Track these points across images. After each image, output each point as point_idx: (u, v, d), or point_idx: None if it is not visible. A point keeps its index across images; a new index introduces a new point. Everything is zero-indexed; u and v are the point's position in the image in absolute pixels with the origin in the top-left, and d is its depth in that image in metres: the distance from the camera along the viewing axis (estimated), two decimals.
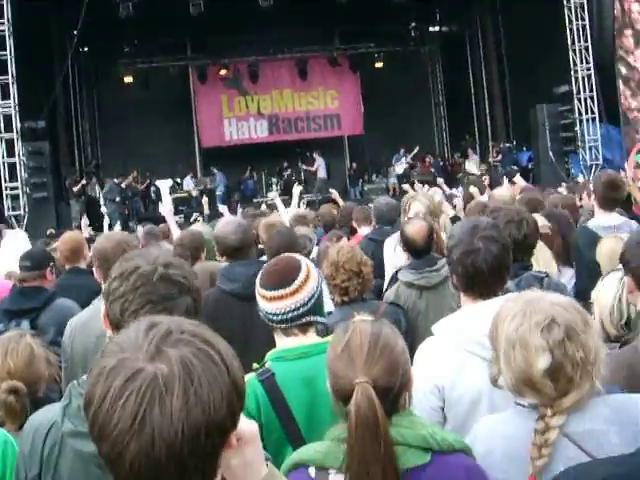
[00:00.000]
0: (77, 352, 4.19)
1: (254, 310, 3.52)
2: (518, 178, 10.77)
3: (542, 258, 4.95)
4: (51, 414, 2.38)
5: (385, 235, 7.26)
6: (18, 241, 8.10)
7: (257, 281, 3.43)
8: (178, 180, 28.84)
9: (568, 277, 5.86)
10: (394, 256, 6.54)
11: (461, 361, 3.30)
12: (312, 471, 2.42)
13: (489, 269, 3.31)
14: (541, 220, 5.69)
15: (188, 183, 27.89)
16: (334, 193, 13.38)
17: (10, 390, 3.32)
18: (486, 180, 10.75)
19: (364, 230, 8.27)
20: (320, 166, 28.54)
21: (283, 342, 3.37)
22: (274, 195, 10.88)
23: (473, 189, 9.71)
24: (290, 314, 3.30)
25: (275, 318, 3.32)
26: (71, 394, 2.33)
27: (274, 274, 3.37)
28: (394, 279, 5.78)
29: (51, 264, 6.10)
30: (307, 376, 3.23)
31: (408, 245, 5.60)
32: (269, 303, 3.32)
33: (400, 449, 2.36)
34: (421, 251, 5.54)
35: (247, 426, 1.65)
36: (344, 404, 2.40)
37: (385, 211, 7.87)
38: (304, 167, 29.66)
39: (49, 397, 3.60)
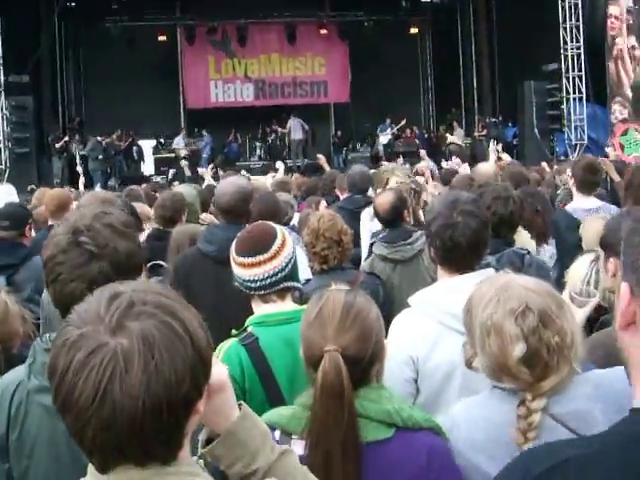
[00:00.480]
0: (55, 310, 4.17)
1: (228, 274, 3.51)
2: (506, 156, 10.73)
3: (519, 238, 4.96)
4: (17, 374, 2.43)
5: (356, 204, 7.27)
6: (5, 195, 8.03)
7: (232, 249, 3.42)
8: (162, 140, 28.70)
9: (548, 255, 5.89)
10: (372, 225, 6.57)
11: (437, 334, 3.31)
12: (277, 434, 2.42)
13: (467, 243, 3.31)
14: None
15: (178, 142, 27.67)
16: (321, 158, 13.30)
17: None
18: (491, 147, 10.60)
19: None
20: (293, 128, 28.34)
21: (261, 308, 3.37)
22: (280, 165, 10.80)
23: (456, 159, 9.67)
24: (268, 280, 3.30)
25: (253, 285, 3.32)
26: (35, 352, 2.38)
27: (250, 240, 3.37)
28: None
29: (30, 221, 6.06)
30: (289, 341, 3.22)
31: (377, 215, 5.67)
32: (246, 270, 3.31)
33: (362, 422, 2.36)
34: (389, 221, 5.59)
35: (215, 375, 1.64)
36: (314, 371, 2.41)
37: (358, 180, 7.79)
38: (276, 128, 29.57)
39: (22, 354, 3.59)
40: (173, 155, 27.27)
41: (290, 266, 3.36)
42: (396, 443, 2.37)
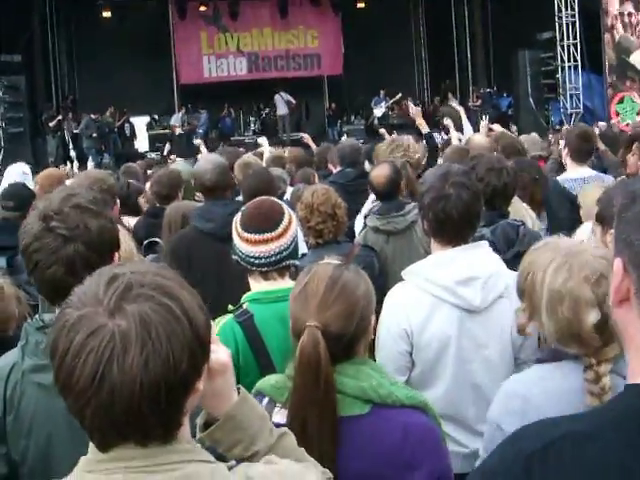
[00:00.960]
0: None
1: (229, 250, 3.51)
2: (497, 127, 10.64)
3: (513, 208, 4.95)
4: (10, 357, 2.45)
5: (347, 177, 7.26)
6: (20, 174, 8.02)
7: (237, 223, 3.39)
8: (156, 117, 28.58)
9: (544, 226, 5.87)
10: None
11: (431, 306, 3.33)
12: (265, 401, 2.46)
13: (459, 215, 3.32)
14: None
15: (176, 120, 27.54)
16: (306, 137, 13.25)
17: None
18: (462, 112, 10.50)
19: None
20: (277, 103, 28.34)
21: (260, 285, 3.37)
22: (262, 141, 10.78)
23: (447, 121, 9.55)
24: (273, 257, 3.30)
25: (256, 262, 3.31)
26: (27, 333, 2.41)
27: (259, 217, 3.35)
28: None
29: (33, 202, 6.04)
30: (283, 319, 3.19)
31: (372, 187, 5.64)
32: (252, 247, 3.30)
33: (339, 397, 2.36)
34: (385, 194, 5.57)
35: (217, 357, 1.66)
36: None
37: (348, 153, 7.75)
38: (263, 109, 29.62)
39: (19, 336, 3.59)
40: (168, 131, 27.17)
41: (294, 244, 3.37)
42: (371, 419, 2.37)
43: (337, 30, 31.06)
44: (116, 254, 2.45)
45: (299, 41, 31.17)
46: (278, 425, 2.20)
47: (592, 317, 2.36)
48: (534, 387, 2.50)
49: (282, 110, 28.18)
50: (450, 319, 3.33)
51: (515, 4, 25.43)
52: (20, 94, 23.02)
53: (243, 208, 3.53)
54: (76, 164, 12.60)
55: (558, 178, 6.30)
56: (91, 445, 1.53)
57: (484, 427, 2.74)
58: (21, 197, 5.97)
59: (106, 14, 28.68)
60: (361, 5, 30.19)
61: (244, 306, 3.31)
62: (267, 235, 3.29)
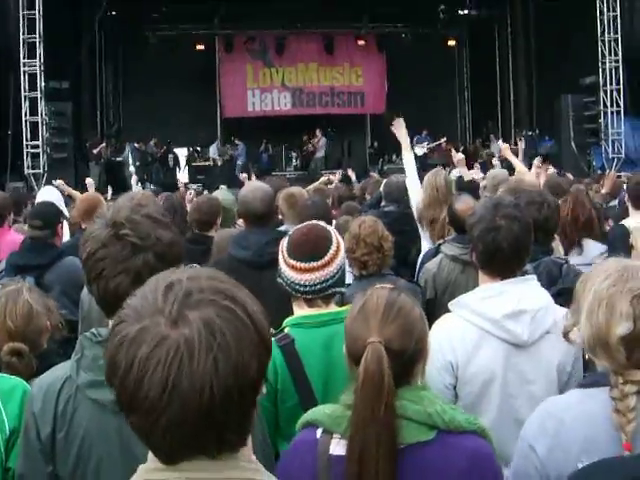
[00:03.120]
0: (94, 308, 4.17)
1: (264, 278, 3.49)
2: (538, 162, 10.59)
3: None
4: (61, 371, 2.33)
5: (390, 215, 7.14)
6: (48, 196, 8.10)
7: (283, 247, 3.37)
8: (198, 148, 28.81)
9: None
10: None
11: (477, 340, 3.30)
12: (319, 432, 2.41)
13: (509, 248, 3.30)
14: None
15: (213, 150, 27.79)
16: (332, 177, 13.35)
17: (12, 352, 3.30)
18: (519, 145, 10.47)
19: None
20: (321, 144, 28.52)
21: (303, 311, 3.35)
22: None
23: (496, 161, 9.50)
24: (319, 286, 3.27)
25: (302, 289, 3.28)
26: (83, 347, 2.29)
27: (306, 245, 3.31)
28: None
29: (62, 220, 6.08)
30: (325, 344, 3.22)
31: (455, 221, 5.49)
32: (298, 274, 3.27)
33: (403, 423, 2.32)
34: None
35: None
36: (356, 366, 2.37)
37: (394, 189, 7.66)
38: (307, 140, 29.65)
39: (52, 347, 3.60)
40: (209, 163, 27.38)
41: (340, 272, 3.33)
42: (437, 446, 2.32)
43: (382, 68, 31.26)
44: None
45: (344, 78, 31.36)
46: (338, 457, 2.21)
47: (622, 328, 2.28)
48: (570, 410, 2.44)
49: (321, 153, 28.44)
50: (496, 353, 3.28)
51: (559, 49, 25.40)
52: (66, 120, 23.28)
53: (290, 232, 3.50)
54: (110, 191, 12.62)
55: (622, 223, 6.24)
56: (150, 454, 1.49)
57: None
58: (48, 215, 5.99)
59: (153, 45, 29.06)
60: (406, 44, 30.34)
61: (285, 330, 3.28)
62: (313, 264, 3.26)
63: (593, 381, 2.48)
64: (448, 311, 3.52)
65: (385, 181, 8.43)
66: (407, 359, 2.39)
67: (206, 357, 1.37)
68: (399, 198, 7.58)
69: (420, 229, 6.65)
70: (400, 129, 7.21)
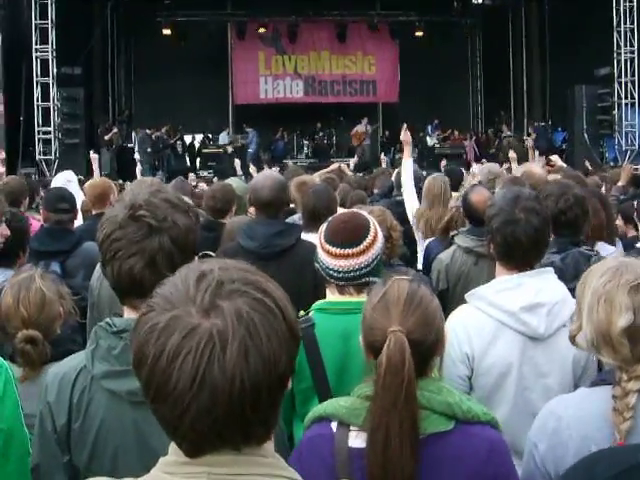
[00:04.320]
0: (104, 296, 4.18)
1: (269, 270, 3.45)
2: (557, 159, 10.50)
3: None
4: (76, 361, 2.32)
5: (402, 205, 7.37)
6: (64, 181, 8.10)
7: (322, 232, 3.38)
8: (209, 135, 28.81)
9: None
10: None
11: (494, 332, 3.28)
12: (334, 425, 2.41)
13: (528, 241, 3.28)
14: None
15: (224, 138, 27.80)
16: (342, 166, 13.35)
17: (26, 339, 3.32)
18: (529, 142, 10.42)
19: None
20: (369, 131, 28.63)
21: (334, 297, 3.35)
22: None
23: (512, 154, 9.43)
24: (352, 273, 3.26)
25: (335, 275, 3.28)
26: (97, 337, 2.28)
27: (343, 231, 3.31)
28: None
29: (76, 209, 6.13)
30: (346, 332, 3.20)
31: (470, 212, 5.48)
32: (333, 259, 3.27)
33: (424, 413, 2.33)
34: (483, 219, 5.49)
35: None
36: (375, 357, 2.37)
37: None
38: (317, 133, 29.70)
39: (67, 333, 3.62)
40: (220, 151, 27.37)
41: (376, 262, 3.31)
42: (457, 435, 2.34)
43: (394, 57, 31.19)
44: (195, 257, 2.33)
45: (356, 67, 31.30)
46: (358, 450, 2.22)
47: (623, 320, 2.32)
48: (570, 408, 2.48)
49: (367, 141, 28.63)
50: (513, 345, 3.27)
51: (574, 39, 25.28)
52: (78, 106, 23.35)
53: (330, 218, 3.48)
54: (139, 170, 12.67)
55: None
56: (173, 446, 1.47)
57: None
58: (71, 200, 6.03)
59: (166, 32, 29.10)
60: (419, 34, 30.22)
61: (310, 314, 3.30)
62: (348, 250, 3.26)
63: (601, 379, 2.51)
64: (460, 303, 3.52)
65: (397, 170, 8.44)
66: (426, 350, 2.40)
67: (237, 348, 1.36)
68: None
69: (415, 228, 6.97)
70: (408, 139, 7.70)
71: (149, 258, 2.21)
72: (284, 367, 1.43)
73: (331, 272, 3.28)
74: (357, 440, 2.35)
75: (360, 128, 28.49)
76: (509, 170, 9.13)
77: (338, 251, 3.26)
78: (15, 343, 3.31)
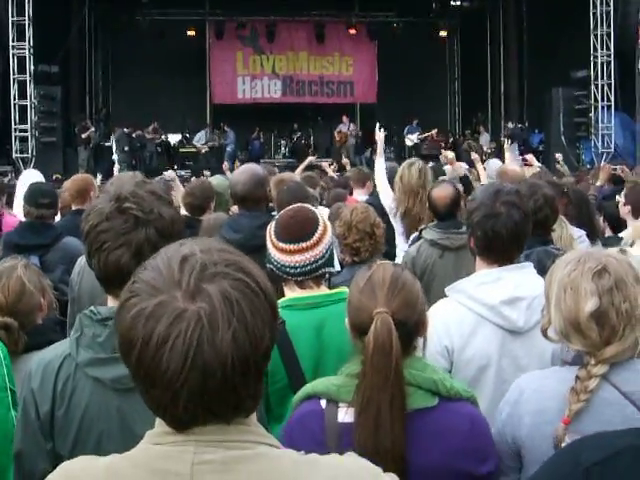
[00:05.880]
0: (84, 290, 4.18)
1: (255, 261, 3.47)
2: (532, 158, 10.57)
3: (563, 237, 4.91)
4: (61, 349, 2.33)
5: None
6: (35, 179, 8.07)
7: (271, 232, 3.39)
8: (187, 135, 28.72)
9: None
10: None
11: (473, 325, 3.31)
12: (323, 403, 2.49)
13: (508, 235, 3.30)
14: None
15: (200, 138, 27.70)
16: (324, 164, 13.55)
17: (0, 326, 3.35)
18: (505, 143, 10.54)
19: (358, 193, 8.37)
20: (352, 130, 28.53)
21: (295, 293, 3.36)
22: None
23: (474, 155, 9.50)
24: (309, 267, 3.29)
25: (293, 271, 3.30)
26: (82, 325, 2.29)
27: (293, 227, 3.34)
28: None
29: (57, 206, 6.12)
30: (317, 326, 3.25)
31: (433, 207, 5.63)
32: (288, 256, 3.29)
33: (410, 389, 2.42)
34: (445, 214, 5.56)
35: None
36: (361, 338, 2.47)
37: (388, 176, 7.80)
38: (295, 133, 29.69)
39: (49, 324, 3.64)
40: (195, 150, 27.31)
41: (329, 252, 3.36)
42: (440, 411, 2.45)
43: (372, 58, 31.27)
44: None
45: (334, 67, 31.35)
46: (347, 425, 2.31)
47: (590, 305, 2.40)
48: (533, 383, 2.62)
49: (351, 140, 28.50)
50: (492, 339, 3.30)
51: (551, 42, 25.42)
52: (55, 104, 23.24)
53: (276, 216, 3.52)
54: (99, 177, 12.61)
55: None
56: (158, 420, 1.50)
57: None
58: (53, 196, 6.04)
59: (144, 30, 28.94)
60: (397, 34, 30.31)
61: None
62: (302, 244, 3.29)
63: (573, 362, 2.60)
64: (426, 295, 3.55)
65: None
66: (409, 329, 2.50)
67: (225, 328, 1.40)
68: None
69: (393, 222, 6.79)
70: (379, 136, 7.82)
71: (135, 249, 2.24)
72: (268, 342, 1.47)
73: (288, 269, 3.30)
74: (346, 416, 2.43)
75: (343, 128, 28.44)
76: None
77: (292, 247, 3.29)
78: None
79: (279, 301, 3.32)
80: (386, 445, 2.32)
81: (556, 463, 1.62)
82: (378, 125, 7.93)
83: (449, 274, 5.16)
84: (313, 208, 3.53)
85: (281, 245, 3.31)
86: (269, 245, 3.39)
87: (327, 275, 3.48)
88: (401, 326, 2.43)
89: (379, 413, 2.35)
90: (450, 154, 8.48)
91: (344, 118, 28.64)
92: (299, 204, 3.60)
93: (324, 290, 3.38)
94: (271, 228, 3.42)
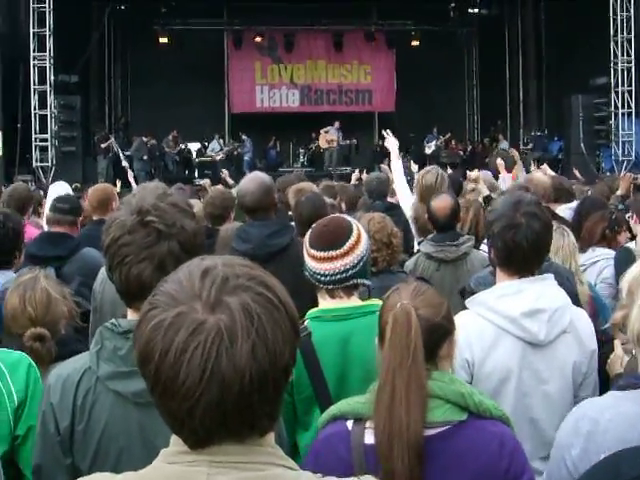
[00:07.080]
0: (106, 301, 4.18)
1: (267, 270, 3.46)
2: (546, 167, 10.56)
3: (562, 249, 4.86)
4: (80, 362, 2.31)
5: (376, 210, 7.23)
6: (63, 190, 8.13)
7: (306, 240, 3.40)
8: (206, 144, 28.80)
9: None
10: None
11: (494, 337, 3.27)
12: (349, 424, 2.45)
13: (529, 245, 3.26)
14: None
15: (213, 147, 27.74)
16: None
17: (35, 337, 3.34)
18: (513, 153, 10.57)
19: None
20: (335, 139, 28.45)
21: (325, 302, 3.36)
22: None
23: (500, 161, 9.49)
24: (338, 276, 3.27)
25: (323, 279, 3.29)
26: (103, 337, 2.27)
27: (325, 235, 3.34)
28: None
29: (80, 216, 6.11)
30: (343, 338, 3.23)
31: (432, 218, 5.65)
32: (318, 263, 3.29)
33: (438, 402, 2.38)
34: (444, 226, 5.58)
35: None
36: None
37: (375, 185, 8.05)
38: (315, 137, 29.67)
39: (70, 333, 3.65)
40: (216, 159, 27.36)
41: (362, 263, 3.32)
42: (469, 427, 2.39)
43: (390, 67, 31.25)
44: None
45: (352, 76, 31.35)
46: (372, 446, 2.30)
47: None
48: (605, 411, 2.36)
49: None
50: (513, 352, 3.26)
51: (570, 49, 25.33)
52: (74, 114, 23.40)
53: (314, 225, 3.50)
54: (119, 184, 12.68)
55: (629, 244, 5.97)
56: (174, 437, 1.49)
57: (536, 463, 2.82)
58: (74, 203, 6.07)
59: (163, 40, 29.13)
60: (415, 43, 30.30)
61: (305, 322, 3.29)
62: (331, 253, 3.27)
63: (629, 383, 2.43)
64: None
65: (365, 179, 8.62)
66: (432, 329, 2.47)
67: (244, 342, 1.39)
68: (381, 193, 8.03)
69: (414, 229, 6.76)
70: (390, 141, 7.61)
71: (158, 263, 2.22)
72: (288, 359, 1.46)
73: (318, 276, 3.30)
74: (372, 437, 2.39)
75: (330, 136, 28.42)
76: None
77: (322, 254, 3.28)
78: (23, 342, 3.33)
79: (309, 312, 3.36)
80: (401, 429, 2.30)
81: (595, 476, 1.60)
82: (384, 132, 7.85)
83: (446, 287, 5.20)
84: (350, 219, 3.52)
85: (312, 252, 3.32)
86: (304, 252, 3.40)
87: (361, 287, 3.42)
88: (423, 321, 2.44)
89: (394, 394, 2.34)
90: (474, 174, 8.44)
91: (336, 123, 28.65)
92: (337, 214, 3.62)
93: (355, 301, 3.35)
94: (307, 236, 3.43)
